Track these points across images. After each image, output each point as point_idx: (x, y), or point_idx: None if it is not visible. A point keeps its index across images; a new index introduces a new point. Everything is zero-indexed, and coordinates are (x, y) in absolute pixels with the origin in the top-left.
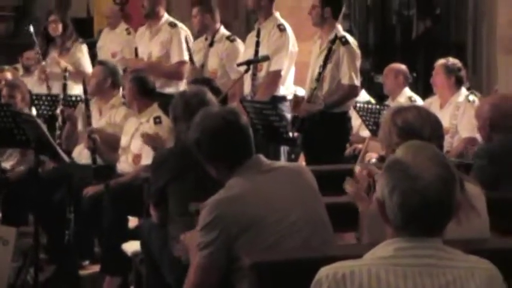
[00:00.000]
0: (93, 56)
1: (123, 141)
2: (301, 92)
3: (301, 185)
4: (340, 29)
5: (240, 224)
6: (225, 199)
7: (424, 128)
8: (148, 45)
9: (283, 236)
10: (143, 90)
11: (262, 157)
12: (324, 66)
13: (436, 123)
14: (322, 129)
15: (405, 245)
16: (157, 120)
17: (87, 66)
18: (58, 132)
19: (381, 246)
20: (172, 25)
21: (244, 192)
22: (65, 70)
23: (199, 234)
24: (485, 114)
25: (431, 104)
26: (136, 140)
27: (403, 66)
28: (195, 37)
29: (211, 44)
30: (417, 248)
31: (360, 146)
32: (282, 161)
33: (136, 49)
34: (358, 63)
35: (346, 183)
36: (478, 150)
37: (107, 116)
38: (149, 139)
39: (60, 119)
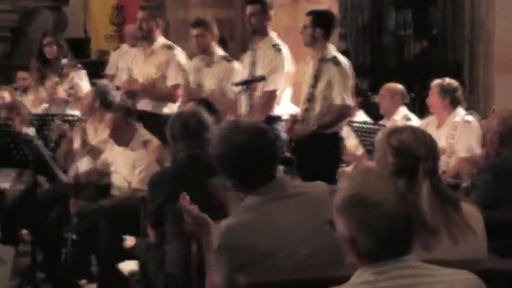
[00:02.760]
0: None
1: (112, 162)
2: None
3: (321, 217)
4: (331, 49)
5: (246, 258)
6: (235, 227)
7: (419, 148)
8: (143, 67)
9: (292, 271)
10: (127, 120)
11: (286, 179)
12: (314, 86)
13: (431, 143)
14: (315, 150)
15: (380, 269)
16: (147, 145)
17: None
18: (52, 145)
19: (358, 273)
20: (169, 47)
21: (256, 220)
22: (70, 88)
23: (212, 254)
24: (495, 128)
25: (428, 124)
26: (125, 166)
27: (399, 86)
28: (191, 57)
29: (209, 65)
30: (393, 269)
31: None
32: (310, 184)
33: (130, 70)
34: (351, 83)
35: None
36: (483, 165)
37: (102, 135)
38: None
39: (56, 133)
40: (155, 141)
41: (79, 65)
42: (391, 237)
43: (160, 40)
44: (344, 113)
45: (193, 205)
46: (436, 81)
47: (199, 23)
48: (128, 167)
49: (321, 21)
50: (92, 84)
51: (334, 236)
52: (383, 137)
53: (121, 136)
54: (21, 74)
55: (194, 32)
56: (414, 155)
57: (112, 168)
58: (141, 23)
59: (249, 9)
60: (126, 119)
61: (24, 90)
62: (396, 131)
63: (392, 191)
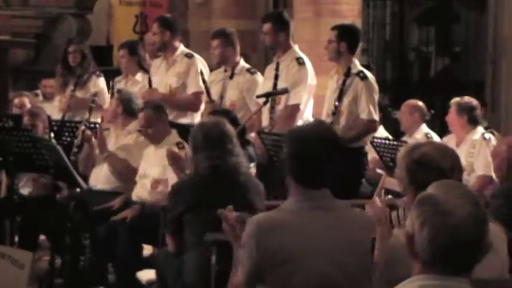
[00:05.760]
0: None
1: (142, 168)
2: None
3: (355, 240)
4: (357, 63)
5: (274, 257)
6: (269, 221)
7: (444, 159)
8: (164, 77)
9: (311, 285)
10: (161, 116)
11: (328, 192)
12: (339, 100)
13: (455, 155)
14: (338, 164)
15: (430, 282)
16: (180, 146)
17: (104, 98)
18: (75, 150)
19: (407, 282)
20: (189, 56)
21: (291, 223)
22: (94, 95)
23: (242, 249)
24: (503, 154)
25: (448, 142)
26: (157, 166)
27: (420, 103)
28: (212, 69)
29: (231, 76)
30: (441, 286)
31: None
32: (348, 203)
33: (150, 80)
34: (377, 97)
35: (368, 207)
36: (495, 190)
37: (123, 142)
38: (174, 158)
39: (79, 138)
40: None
41: (98, 72)
42: (447, 251)
43: (181, 49)
44: (370, 128)
45: (232, 213)
46: (455, 100)
47: (219, 34)
48: (159, 166)
49: (346, 36)
50: (118, 92)
51: (361, 261)
52: (405, 153)
53: (153, 133)
54: (47, 82)
55: (214, 43)
56: (439, 167)
57: (140, 172)
58: (155, 35)
59: (263, 27)
60: (159, 115)
61: (49, 97)
62: (418, 145)
63: (469, 211)
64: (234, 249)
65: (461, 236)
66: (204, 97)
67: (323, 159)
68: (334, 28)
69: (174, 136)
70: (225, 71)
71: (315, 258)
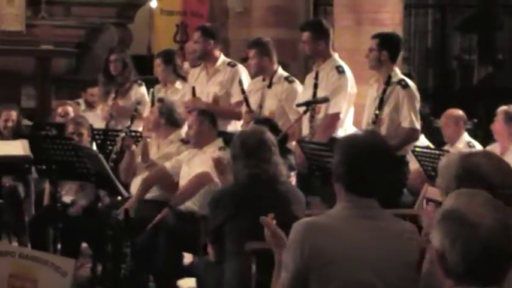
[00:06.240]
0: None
1: (184, 173)
2: None
3: (399, 253)
4: (398, 72)
5: (318, 258)
6: (317, 224)
7: (496, 174)
8: (205, 86)
9: None
10: (213, 124)
11: (376, 202)
12: (380, 109)
13: (508, 170)
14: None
15: None
16: (221, 148)
17: (145, 107)
18: (114, 156)
19: None
20: (232, 65)
21: (337, 228)
22: (137, 103)
23: (286, 251)
24: None
25: (492, 151)
26: (199, 167)
27: (459, 112)
28: (251, 78)
29: (269, 86)
30: None
31: None
32: (394, 216)
33: (194, 89)
34: (418, 106)
35: (424, 214)
36: None
37: (164, 151)
38: (218, 162)
39: (119, 144)
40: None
41: (139, 81)
42: (481, 262)
43: (222, 58)
44: (412, 136)
45: (274, 220)
46: (502, 108)
47: (255, 44)
48: (202, 168)
49: (387, 44)
50: (159, 100)
51: (404, 272)
52: (453, 162)
53: (201, 140)
54: (92, 90)
55: (250, 53)
56: (489, 181)
57: (183, 175)
58: (196, 43)
59: (302, 36)
60: (211, 125)
61: (91, 105)
62: (470, 155)
63: (495, 218)
64: (275, 256)
65: (493, 244)
66: (243, 107)
67: (374, 168)
68: (375, 36)
69: (219, 142)
70: (263, 80)
71: (357, 266)
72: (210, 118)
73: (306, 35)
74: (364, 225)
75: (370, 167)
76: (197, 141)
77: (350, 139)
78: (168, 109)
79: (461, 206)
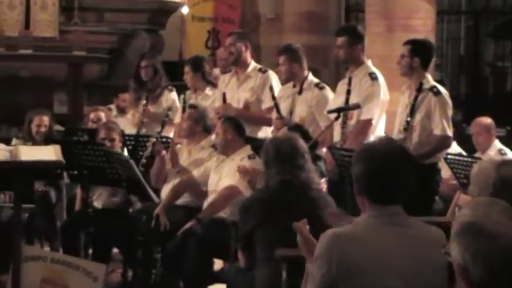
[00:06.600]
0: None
1: (213, 180)
2: None
3: (428, 259)
4: (430, 79)
5: (346, 269)
6: (343, 235)
7: None
8: (236, 92)
9: None
10: (238, 129)
11: (401, 209)
12: (411, 116)
13: None
14: (411, 179)
15: None
16: (251, 156)
17: (176, 113)
18: (144, 161)
19: None
20: (263, 71)
21: (366, 236)
22: (168, 110)
23: (314, 264)
24: None
25: None
26: (227, 177)
27: (488, 120)
28: (281, 84)
29: (300, 92)
30: None
31: None
32: (421, 221)
33: (224, 95)
34: (450, 113)
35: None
36: None
37: (195, 157)
38: (245, 171)
39: (149, 150)
40: (259, 160)
41: (170, 87)
42: (505, 272)
43: (253, 64)
44: (444, 144)
45: (306, 226)
46: None
47: (285, 50)
48: (230, 178)
49: (419, 51)
50: (191, 107)
51: (433, 279)
52: (487, 169)
53: (226, 147)
54: (122, 96)
55: (280, 59)
56: None
57: (211, 184)
58: (229, 48)
59: (337, 41)
60: (235, 132)
61: (123, 111)
62: (505, 163)
63: None
64: (306, 262)
65: None
66: (274, 113)
67: (395, 175)
68: (407, 43)
69: (247, 149)
70: (294, 86)
71: (385, 274)
72: (234, 125)
73: (341, 40)
74: (390, 232)
75: (390, 175)
76: (223, 149)
77: (366, 150)
78: (201, 116)
79: (478, 217)
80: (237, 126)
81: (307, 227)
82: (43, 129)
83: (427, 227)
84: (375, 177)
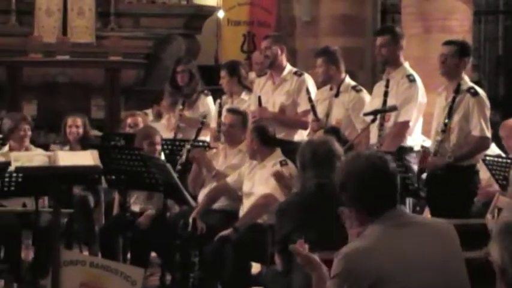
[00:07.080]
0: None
1: (246, 187)
2: (429, 143)
3: (443, 246)
4: (467, 80)
5: (367, 280)
6: (357, 251)
7: None
8: (272, 96)
9: None
10: (264, 139)
11: (404, 209)
12: (449, 117)
13: None
14: (449, 183)
15: None
16: (283, 162)
17: (212, 118)
18: (179, 167)
19: None
20: (299, 74)
21: (378, 244)
22: (204, 116)
23: (331, 282)
24: None
25: None
26: (261, 184)
27: None
28: (318, 87)
29: (336, 95)
30: None
31: None
32: (426, 216)
33: (259, 98)
34: (488, 113)
35: None
36: None
37: (232, 161)
38: (280, 176)
39: (184, 156)
40: (291, 165)
41: (206, 92)
42: None
43: (289, 67)
44: (482, 145)
45: (304, 246)
46: None
47: (322, 53)
48: (264, 184)
49: (465, 52)
50: (232, 111)
51: (461, 268)
52: None
53: (255, 154)
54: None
55: (318, 61)
56: None
57: (245, 190)
58: (265, 51)
59: (379, 40)
60: (263, 141)
61: (159, 115)
62: None
63: None
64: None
65: None
66: (310, 116)
67: (384, 183)
68: (450, 43)
69: (278, 154)
70: (331, 89)
71: (411, 275)
72: (261, 135)
73: (383, 39)
74: (399, 234)
75: (381, 185)
76: (253, 156)
77: (346, 172)
78: (246, 119)
79: None
80: (264, 136)
81: (306, 246)
82: (75, 129)
83: (431, 220)
84: (368, 191)
